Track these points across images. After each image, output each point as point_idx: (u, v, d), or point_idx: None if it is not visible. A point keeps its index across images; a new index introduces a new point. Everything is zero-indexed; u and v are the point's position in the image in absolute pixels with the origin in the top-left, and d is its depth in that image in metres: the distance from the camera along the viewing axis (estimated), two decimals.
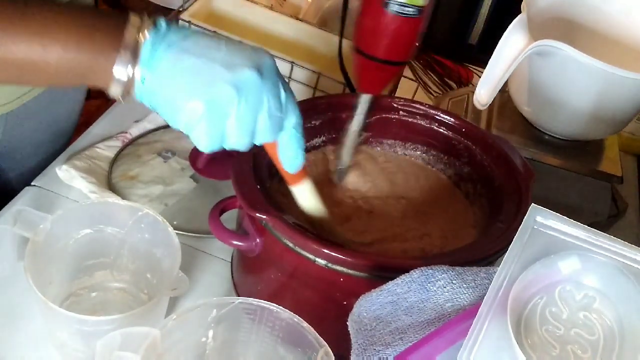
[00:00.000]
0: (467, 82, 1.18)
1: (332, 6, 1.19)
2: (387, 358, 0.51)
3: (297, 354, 0.61)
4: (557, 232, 0.50)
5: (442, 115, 0.81)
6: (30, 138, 0.95)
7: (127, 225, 0.72)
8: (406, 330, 0.52)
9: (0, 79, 0.58)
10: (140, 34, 0.56)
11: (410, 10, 0.66)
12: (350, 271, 0.63)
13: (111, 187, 0.88)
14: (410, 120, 0.81)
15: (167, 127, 0.96)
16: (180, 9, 1.05)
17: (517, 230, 0.50)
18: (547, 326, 0.47)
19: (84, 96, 1.04)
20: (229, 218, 0.72)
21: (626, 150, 1.13)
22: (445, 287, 0.54)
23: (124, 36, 0.56)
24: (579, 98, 0.86)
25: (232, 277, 0.78)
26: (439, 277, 0.54)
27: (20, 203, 0.84)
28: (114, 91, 0.57)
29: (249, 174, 0.68)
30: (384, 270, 0.61)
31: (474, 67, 1.20)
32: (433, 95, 1.14)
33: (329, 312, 0.66)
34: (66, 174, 0.87)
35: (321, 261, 0.64)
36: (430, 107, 0.81)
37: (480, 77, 0.84)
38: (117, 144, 0.94)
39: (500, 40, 0.82)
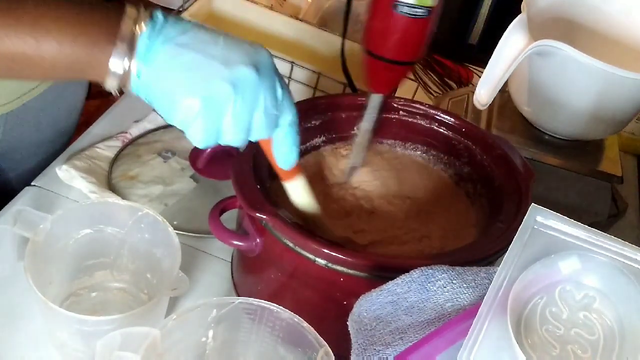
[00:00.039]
0: (467, 82, 1.18)
1: (332, 6, 1.19)
2: (387, 358, 0.51)
3: (297, 354, 0.61)
4: (557, 232, 0.50)
5: (442, 115, 0.81)
6: (30, 138, 0.95)
7: (127, 225, 0.72)
8: (406, 330, 0.52)
9: None
10: (137, 25, 0.56)
11: (419, 11, 0.66)
12: (350, 271, 0.63)
13: (111, 187, 0.88)
14: (410, 120, 0.81)
15: (167, 127, 0.96)
16: (180, 9, 1.05)
17: (517, 230, 0.50)
18: (547, 326, 0.47)
19: (84, 96, 1.04)
20: (229, 218, 0.71)
21: (626, 150, 1.13)
22: (445, 287, 0.54)
23: (120, 28, 0.56)
24: (579, 98, 0.86)
25: (232, 277, 0.78)
26: (439, 277, 0.54)
27: (20, 203, 0.84)
28: (110, 84, 0.57)
29: (249, 174, 0.68)
30: (384, 270, 0.61)
31: (474, 67, 1.20)
32: (433, 95, 1.14)
33: (329, 312, 0.66)
34: (66, 174, 0.87)
35: (321, 261, 0.64)
36: (430, 107, 0.81)
37: (480, 77, 0.84)
38: (117, 144, 0.94)
39: (500, 40, 0.82)
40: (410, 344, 0.51)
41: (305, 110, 0.79)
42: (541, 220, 0.51)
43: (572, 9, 0.95)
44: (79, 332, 0.65)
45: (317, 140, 0.81)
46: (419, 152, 0.83)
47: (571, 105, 0.87)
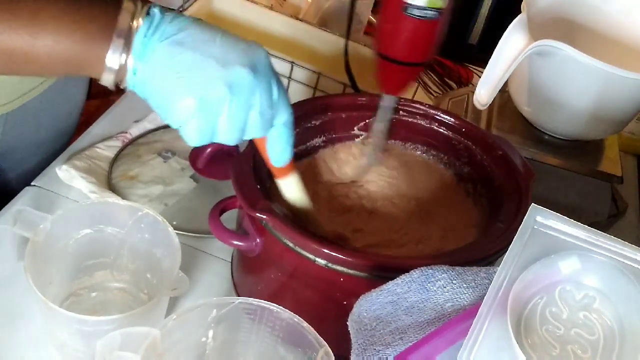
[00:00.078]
0: (467, 82, 1.18)
1: (332, 6, 1.19)
2: (387, 358, 0.51)
3: (297, 354, 0.60)
4: (557, 232, 0.50)
5: (442, 115, 0.81)
6: (30, 138, 0.95)
7: (127, 225, 0.72)
8: (406, 330, 0.52)
9: None
10: (134, 20, 0.56)
11: (430, 13, 0.66)
12: (350, 271, 0.63)
13: (111, 187, 0.88)
14: (410, 120, 0.81)
15: (167, 127, 0.96)
16: (180, 9, 1.05)
17: (517, 230, 0.50)
18: (547, 326, 0.47)
19: (84, 96, 1.04)
20: (229, 218, 0.71)
21: (626, 150, 1.13)
22: (445, 287, 0.54)
23: (117, 22, 0.56)
24: (579, 98, 0.86)
25: (232, 277, 0.78)
26: (439, 277, 0.54)
27: (20, 203, 0.84)
28: (106, 79, 0.57)
29: (249, 174, 0.68)
30: (384, 270, 0.61)
31: (474, 67, 1.20)
32: (433, 95, 1.14)
33: (329, 312, 0.66)
34: (66, 174, 0.87)
35: (321, 261, 0.64)
36: (430, 107, 0.81)
37: (480, 77, 0.84)
38: (117, 144, 0.94)
39: (500, 40, 0.82)
40: (410, 344, 0.51)
41: (305, 110, 0.79)
42: (541, 220, 0.51)
43: (572, 9, 0.95)
44: (79, 332, 0.65)
45: (317, 140, 0.81)
46: (418, 152, 0.83)
47: (571, 105, 0.87)
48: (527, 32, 0.81)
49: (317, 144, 0.81)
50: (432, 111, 0.81)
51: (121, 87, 0.59)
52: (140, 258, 0.74)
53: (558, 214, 0.51)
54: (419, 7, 0.66)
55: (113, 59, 0.56)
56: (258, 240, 0.68)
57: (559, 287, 0.48)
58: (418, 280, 0.55)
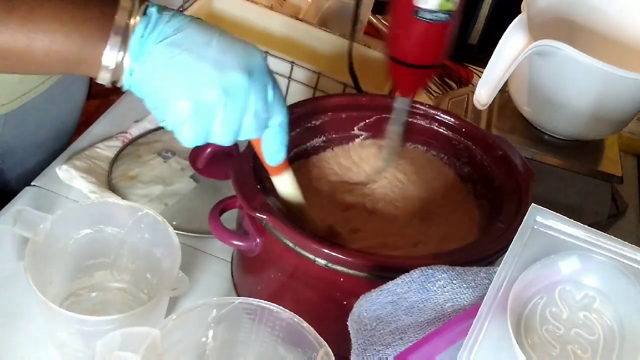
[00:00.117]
0: (467, 82, 1.18)
1: (332, 6, 1.19)
2: (387, 358, 0.51)
3: (297, 354, 0.60)
4: (557, 232, 0.50)
5: (442, 115, 0.81)
6: (30, 138, 0.95)
7: (127, 225, 0.72)
8: (406, 330, 0.52)
9: None
10: (132, 18, 0.56)
11: (441, 15, 0.66)
12: (350, 271, 0.63)
13: (111, 187, 0.88)
14: (410, 120, 0.81)
15: None
16: (180, 9, 1.05)
17: (517, 230, 0.50)
18: (547, 326, 0.47)
19: (84, 96, 1.04)
20: (229, 218, 0.71)
21: (626, 150, 1.13)
22: (445, 287, 0.54)
23: (114, 20, 0.56)
24: (579, 98, 0.86)
25: (232, 277, 0.78)
26: (439, 277, 0.54)
27: (20, 203, 0.84)
28: (103, 78, 0.58)
29: (249, 174, 0.68)
30: (384, 270, 0.61)
31: (474, 67, 1.20)
32: (433, 95, 1.14)
33: (329, 312, 0.66)
34: (66, 174, 0.87)
35: (321, 261, 0.64)
36: (430, 107, 0.81)
37: (480, 77, 0.84)
38: (117, 144, 0.94)
39: (500, 40, 0.82)
40: (410, 344, 0.51)
41: (305, 110, 0.79)
42: (541, 220, 0.51)
43: (572, 9, 0.95)
44: (79, 332, 0.65)
45: (317, 140, 0.81)
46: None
47: (571, 105, 0.87)
48: (527, 32, 0.81)
49: (317, 144, 0.81)
50: (432, 111, 0.81)
51: (118, 86, 0.59)
52: (140, 258, 0.74)
53: (558, 214, 0.51)
54: (430, 11, 0.66)
55: (110, 56, 0.56)
56: (258, 240, 0.68)
57: (559, 287, 0.48)
58: (418, 280, 0.55)
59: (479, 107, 0.85)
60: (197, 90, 0.57)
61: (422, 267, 0.55)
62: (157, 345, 0.57)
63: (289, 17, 1.08)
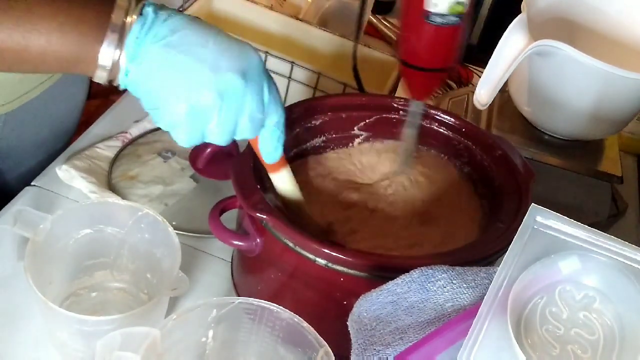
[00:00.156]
0: (467, 82, 1.18)
1: (332, 6, 1.19)
2: (387, 358, 0.51)
3: (297, 354, 0.60)
4: (557, 232, 0.50)
5: (442, 115, 0.81)
6: (30, 138, 0.95)
7: (127, 225, 0.72)
8: (406, 330, 0.52)
9: None
10: (128, 16, 0.56)
11: (451, 19, 0.66)
12: (350, 271, 0.63)
13: (111, 187, 0.88)
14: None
15: None
16: (180, 9, 1.05)
17: (517, 230, 0.50)
18: (547, 326, 0.47)
19: (84, 96, 1.04)
20: (229, 218, 0.72)
21: (626, 150, 1.13)
22: (445, 287, 0.54)
23: (110, 19, 0.56)
24: (579, 98, 0.86)
25: (232, 277, 0.78)
26: (439, 277, 0.54)
27: (20, 203, 0.84)
28: (99, 77, 0.58)
29: (249, 174, 0.68)
30: (384, 270, 0.61)
31: (474, 67, 1.20)
32: (433, 95, 1.14)
33: (329, 312, 0.66)
34: (66, 174, 0.87)
35: (321, 261, 0.64)
36: (430, 107, 0.81)
37: (480, 77, 0.84)
38: (117, 144, 0.94)
39: (500, 40, 0.82)
40: (410, 344, 0.51)
41: (305, 110, 0.79)
42: (541, 220, 0.51)
43: (572, 9, 0.95)
44: (79, 332, 0.65)
45: (317, 140, 0.81)
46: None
47: (571, 105, 0.87)
48: (527, 32, 0.81)
49: (317, 144, 0.81)
50: (432, 111, 0.81)
51: (114, 85, 0.59)
52: (140, 258, 0.74)
53: (558, 214, 0.51)
54: (440, 14, 0.66)
55: (106, 55, 0.56)
56: (258, 240, 0.68)
57: (559, 287, 0.48)
58: (418, 280, 0.55)
59: (479, 107, 0.85)
60: (192, 93, 0.57)
61: (422, 267, 0.55)
62: (157, 345, 0.57)
63: (289, 17, 1.08)
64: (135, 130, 0.97)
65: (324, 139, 0.81)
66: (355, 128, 0.82)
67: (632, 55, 0.93)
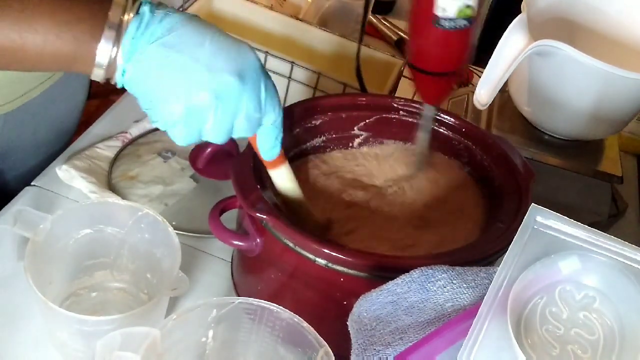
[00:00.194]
0: (467, 82, 1.18)
1: (332, 6, 1.19)
2: (387, 358, 0.51)
3: (297, 354, 0.60)
4: (557, 232, 0.50)
5: (442, 115, 0.81)
6: (30, 138, 0.95)
7: (127, 225, 0.72)
8: (406, 330, 0.52)
9: None
10: (125, 14, 0.56)
11: (460, 22, 0.66)
12: (350, 271, 0.63)
13: (111, 187, 0.88)
14: (410, 120, 0.81)
15: None
16: (180, 9, 1.05)
17: (517, 230, 0.50)
18: (547, 326, 0.47)
19: (84, 96, 1.04)
20: (229, 218, 0.72)
21: (626, 150, 1.13)
22: (445, 287, 0.54)
23: (108, 17, 0.56)
24: (579, 98, 0.86)
25: (232, 277, 0.78)
26: (439, 277, 0.54)
27: (20, 203, 0.84)
28: (96, 75, 0.58)
29: (249, 174, 0.68)
30: (384, 270, 0.61)
31: (474, 67, 1.20)
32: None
33: (329, 312, 0.66)
34: (66, 174, 0.87)
35: (321, 261, 0.64)
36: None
37: (480, 77, 0.84)
38: (117, 144, 0.94)
39: (500, 40, 0.82)
40: (410, 344, 0.51)
41: (305, 110, 0.79)
42: (541, 220, 0.51)
43: (572, 9, 0.95)
44: (79, 332, 0.65)
45: (318, 140, 0.81)
46: (413, 148, 0.83)
47: (571, 105, 0.87)
48: (527, 32, 0.81)
49: (317, 144, 0.81)
50: None
51: (112, 83, 0.59)
52: (140, 258, 0.74)
53: (558, 214, 0.51)
54: (449, 19, 0.66)
55: (104, 52, 0.56)
56: (258, 240, 0.68)
57: (559, 287, 0.48)
58: (418, 280, 0.55)
59: (479, 107, 0.85)
60: (188, 94, 0.57)
61: (422, 267, 0.55)
62: (157, 345, 0.57)
63: (289, 17, 1.09)
64: (135, 130, 0.97)
65: (324, 139, 0.81)
66: (355, 128, 0.82)
67: (632, 55, 0.93)
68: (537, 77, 0.88)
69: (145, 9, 0.57)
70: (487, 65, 0.83)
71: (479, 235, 0.73)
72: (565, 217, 0.50)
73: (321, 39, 1.07)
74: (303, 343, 0.59)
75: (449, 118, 0.81)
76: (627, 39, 0.94)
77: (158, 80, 0.57)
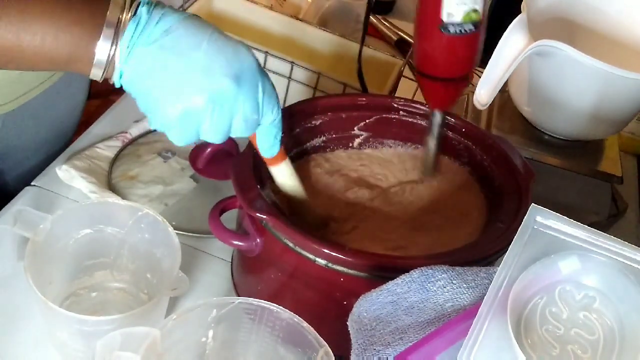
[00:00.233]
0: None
1: (332, 6, 1.19)
2: (387, 358, 0.51)
3: (297, 354, 0.60)
4: (557, 232, 0.50)
5: None
6: (30, 138, 0.95)
7: (127, 225, 0.72)
8: (406, 330, 0.52)
9: None
10: (123, 13, 0.56)
11: (467, 27, 0.66)
12: (350, 271, 0.63)
13: (111, 187, 0.88)
14: (410, 120, 0.81)
15: None
16: (180, 9, 1.05)
17: (517, 230, 0.50)
18: (547, 326, 0.47)
19: (84, 96, 1.04)
20: (229, 218, 0.72)
21: (626, 150, 1.13)
22: (445, 287, 0.54)
23: (106, 16, 0.56)
24: (579, 98, 0.86)
25: (232, 277, 0.78)
26: (439, 277, 0.54)
27: (20, 203, 0.84)
28: (94, 75, 0.58)
29: (249, 173, 0.68)
30: (384, 270, 0.61)
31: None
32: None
33: (329, 312, 0.66)
34: (66, 174, 0.87)
35: (321, 261, 0.64)
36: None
37: (480, 77, 0.84)
38: (117, 144, 0.94)
39: (500, 40, 0.82)
40: (410, 344, 0.51)
41: (305, 110, 0.79)
42: (541, 220, 0.51)
43: (572, 9, 0.95)
44: (79, 332, 0.65)
45: (317, 140, 0.81)
46: (419, 152, 0.83)
47: (571, 105, 0.87)
48: (527, 32, 0.81)
49: (317, 144, 0.81)
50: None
51: (110, 82, 0.59)
52: (140, 258, 0.74)
53: (558, 214, 0.51)
54: (456, 24, 0.65)
55: (101, 52, 0.57)
56: (258, 240, 0.68)
57: (559, 287, 0.48)
58: (418, 280, 0.55)
59: (479, 107, 0.85)
60: (184, 97, 0.57)
61: (422, 267, 0.55)
62: (157, 345, 0.57)
63: (289, 17, 1.08)
64: (135, 130, 0.97)
65: (324, 139, 0.81)
66: (355, 128, 0.82)
67: (632, 55, 0.93)
68: (537, 77, 0.88)
69: (143, 10, 0.57)
70: (487, 65, 0.83)
71: (479, 235, 0.73)
72: (565, 217, 0.50)
73: (321, 39, 1.07)
74: (303, 343, 0.59)
75: (449, 118, 0.80)
76: (627, 39, 0.94)
77: (154, 83, 0.57)
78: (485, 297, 0.47)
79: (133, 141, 0.95)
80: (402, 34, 1.26)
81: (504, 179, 0.74)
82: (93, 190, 0.86)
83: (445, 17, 0.65)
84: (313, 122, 0.79)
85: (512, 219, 0.68)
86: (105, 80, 0.59)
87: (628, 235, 0.99)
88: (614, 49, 0.94)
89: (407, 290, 0.54)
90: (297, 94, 0.98)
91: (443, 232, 0.74)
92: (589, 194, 0.93)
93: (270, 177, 0.71)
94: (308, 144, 0.80)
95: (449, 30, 0.66)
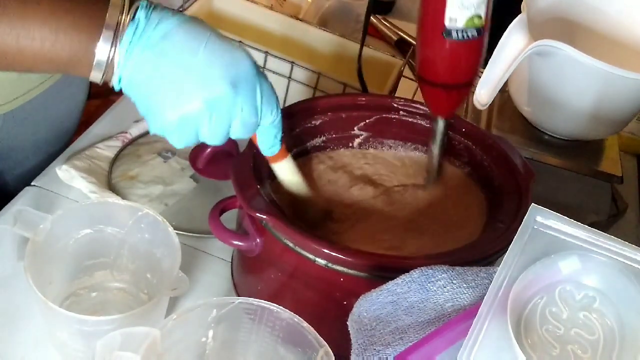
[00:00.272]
0: None
1: (332, 6, 1.19)
2: (387, 358, 0.51)
3: (297, 354, 0.60)
4: (557, 232, 0.50)
5: None
6: (30, 138, 0.95)
7: (127, 225, 0.72)
8: (406, 330, 0.52)
9: None
10: (122, 15, 0.57)
11: (470, 33, 0.66)
12: (350, 271, 0.63)
13: (111, 187, 0.88)
14: (410, 120, 0.81)
15: None
16: (180, 9, 1.05)
17: (517, 230, 0.50)
18: (547, 326, 0.47)
19: (84, 96, 1.04)
20: (229, 218, 0.72)
21: (626, 150, 1.13)
22: (445, 287, 0.54)
23: (105, 19, 0.56)
24: (579, 98, 0.86)
25: (232, 277, 0.78)
26: (439, 277, 0.54)
27: (20, 203, 0.84)
28: (94, 78, 0.59)
29: (249, 174, 0.68)
30: (384, 270, 0.61)
31: None
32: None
33: (329, 312, 0.66)
34: (66, 174, 0.87)
35: (321, 261, 0.64)
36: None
37: (480, 77, 0.84)
38: (117, 144, 0.94)
39: (500, 40, 0.82)
40: (410, 344, 0.51)
41: (305, 110, 0.79)
42: (541, 220, 0.51)
43: (572, 9, 0.95)
44: (79, 332, 0.65)
45: (317, 140, 0.81)
46: (419, 152, 0.83)
47: (571, 105, 0.87)
48: (527, 32, 0.81)
49: (317, 144, 0.81)
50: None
51: (109, 85, 0.59)
52: (140, 258, 0.74)
53: (558, 214, 0.51)
54: (459, 30, 0.65)
55: (100, 55, 0.57)
56: (258, 240, 0.68)
57: (559, 287, 0.48)
58: (418, 280, 0.55)
59: (479, 107, 0.85)
60: (181, 103, 0.58)
61: (422, 267, 0.55)
62: (157, 345, 0.57)
63: (289, 17, 1.08)
64: (135, 130, 0.97)
65: (324, 139, 0.81)
66: (355, 128, 0.82)
67: (632, 55, 0.93)
68: (537, 77, 0.88)
69: (141, 13, 0.57)
70: (487, 65, 0.83)
71: (479, 236, 0.73)
72: (565, 217, 0.50)
73: (321, 39, 1.07)
74: (303, 343, 0.59)
75: None
76: (627, 39, 0.94)
77: (153, 89, 0.58)
78: (485, 297, 0.47)
79: (133, 141, 0.95)
80: (402, 34, 1.26)
81: (504, 179, 0.74)
82: (93, 190, 0.86)
83: (447, 22, 0.65)
84: (313, 122, 0.79)
85: (512, 219, 0.68)
86: (105, 83, 0.59)
87: (628, 235, 0.99)
88: (614, 49, 0.94)
89: (407, 290, 0.54)
90: (297, 94, 0.98)
91: (439, 234, 0.74)
92: (589, 194, 0.93)
93: (270, 177, 0.71)
94: (308, 144, 0.80)
95: (452, 36, 0.65)
